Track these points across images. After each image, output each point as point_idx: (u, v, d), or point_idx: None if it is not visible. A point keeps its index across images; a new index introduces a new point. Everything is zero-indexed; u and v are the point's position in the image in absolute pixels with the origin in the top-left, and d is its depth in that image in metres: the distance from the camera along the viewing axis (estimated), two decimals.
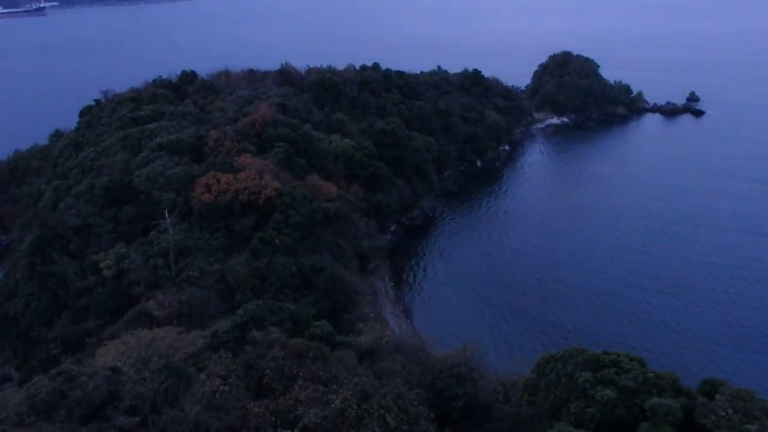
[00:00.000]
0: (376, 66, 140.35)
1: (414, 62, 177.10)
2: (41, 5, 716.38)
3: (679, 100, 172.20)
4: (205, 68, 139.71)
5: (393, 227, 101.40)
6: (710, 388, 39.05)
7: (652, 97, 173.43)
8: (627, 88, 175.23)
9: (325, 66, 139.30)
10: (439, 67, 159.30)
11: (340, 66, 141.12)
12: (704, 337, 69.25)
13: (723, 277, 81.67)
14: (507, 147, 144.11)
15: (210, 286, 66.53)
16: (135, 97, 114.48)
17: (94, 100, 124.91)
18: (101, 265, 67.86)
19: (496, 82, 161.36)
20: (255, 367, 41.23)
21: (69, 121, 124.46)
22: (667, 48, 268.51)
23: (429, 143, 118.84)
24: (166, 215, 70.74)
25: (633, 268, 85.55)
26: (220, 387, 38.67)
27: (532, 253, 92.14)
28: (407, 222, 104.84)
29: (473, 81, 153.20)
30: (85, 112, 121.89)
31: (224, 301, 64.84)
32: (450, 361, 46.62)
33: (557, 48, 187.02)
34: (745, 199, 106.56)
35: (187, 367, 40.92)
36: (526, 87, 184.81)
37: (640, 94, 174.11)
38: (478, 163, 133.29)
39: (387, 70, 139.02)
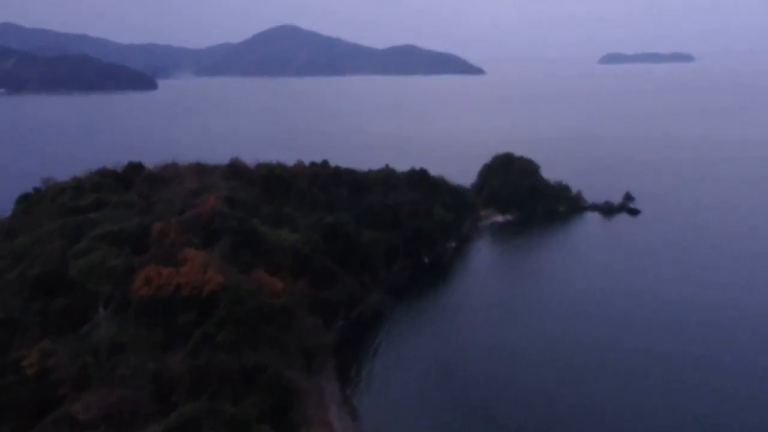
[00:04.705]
0: (325, 162, 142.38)
1: (363, 160, 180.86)
2: None
3: (616, 199, 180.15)
4: (153, 159, 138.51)
5: (340, 324, 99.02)
6: None
7: (590, 197, 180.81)
8: (567, 188, 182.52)
9: (275, 161, 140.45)
10: (387, 165, 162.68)
11: (290, 161, 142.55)
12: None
13: (674, 369, 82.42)
14: (454, 243, 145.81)
15: (143, 386, 62.28)
16: (77, 186, 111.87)
17: (34, 188, 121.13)
18: (24, 362, 62.90)
19: (443, 180, 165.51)
20: None
21: (4, 209, 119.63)
22: (601, 149, 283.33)
23: (377, 238, 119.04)
24: (101, 309, 67.07)
25: (576, 363, 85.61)
26: None
27: (481, 348, 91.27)
28: (355, 318, 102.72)
29: (420, 178, 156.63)
30: (22, 200, 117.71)
31: (158, 402, 60.59)
32: None
33: (498, 149, 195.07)
34: (678, 296, 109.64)
35: None
36: (472, 185, 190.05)
37: (579, 193, 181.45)
38: (426, 260, 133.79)
39: (336, 166, 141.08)
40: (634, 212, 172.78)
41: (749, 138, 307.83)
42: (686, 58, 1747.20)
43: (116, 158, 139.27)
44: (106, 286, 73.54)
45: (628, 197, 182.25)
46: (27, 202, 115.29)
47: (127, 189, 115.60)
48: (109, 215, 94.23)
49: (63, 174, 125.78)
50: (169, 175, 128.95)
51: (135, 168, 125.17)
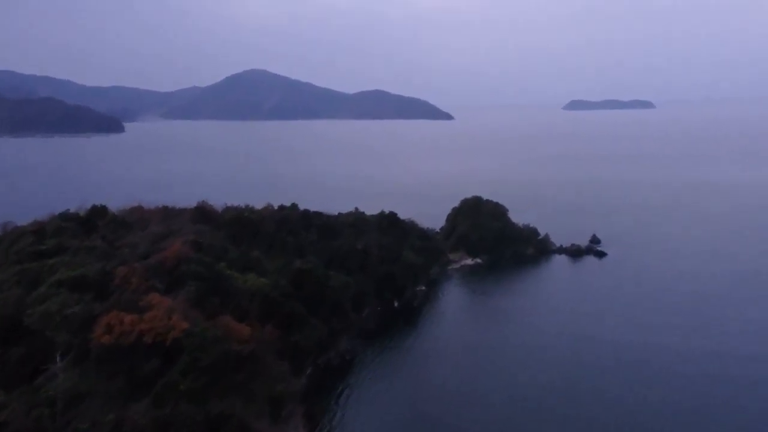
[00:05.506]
0: (294, 206, 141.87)
1: (332, 203, 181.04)
2: None
3: (583, 241, 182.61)
4: (118, 203, 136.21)
5: (309, 370, 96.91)
6: None
7: (558, 239, 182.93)
8: (535, 231, 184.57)
9: (243, 204, 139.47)
10: (356, 209, 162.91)
11: (259, 204, 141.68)
12: None
13: (649, 416, 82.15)
14: (424, 287, 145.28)
15: None
16: (37, 230, 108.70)
17: None
18: None
19: (412, 224, 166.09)
20: None
21: None
22: (567, 192, 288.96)
23: (347, 282, 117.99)
24: (58, 358, 64.45)
25: (550, 409, 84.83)
26: None
27: (452, 393, 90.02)
28: (324, 364, 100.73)
29: (390, 222, 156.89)
30: None
31: None
32: None
33: (466, 192, 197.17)
34: (650, 341, 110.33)
35: None
36: (441, 229, 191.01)
37: (546, 236, 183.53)
38: (396, 304, 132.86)
39: (305, 210, 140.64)
40: (600, 254, 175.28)
41: (712, 181, 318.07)
42: (647, 105, 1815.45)
43: (80, 202, 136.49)
44: (64, 334, 70.76)
45: (595, 240, 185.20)
46: None
47: (89, 233, 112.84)
48: (70, 260, 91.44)
49: (23, 218, 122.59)
50: (135, 218, 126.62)
51: (98, 211, 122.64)
